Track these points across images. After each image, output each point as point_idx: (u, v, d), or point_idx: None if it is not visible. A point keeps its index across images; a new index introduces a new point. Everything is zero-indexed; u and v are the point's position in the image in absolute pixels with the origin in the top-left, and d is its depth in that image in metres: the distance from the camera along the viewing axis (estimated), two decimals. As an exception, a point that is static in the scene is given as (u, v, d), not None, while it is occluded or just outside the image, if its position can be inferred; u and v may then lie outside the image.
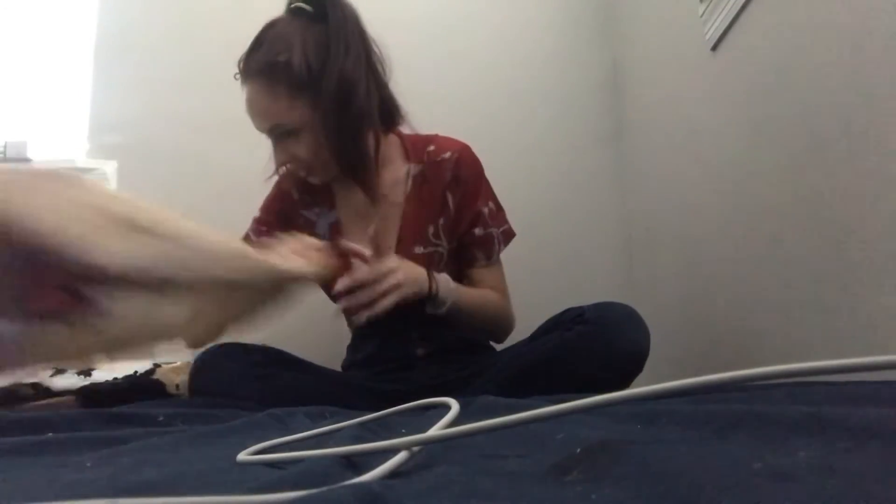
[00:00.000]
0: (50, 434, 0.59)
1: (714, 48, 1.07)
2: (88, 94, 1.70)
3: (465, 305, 1.03)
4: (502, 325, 1.17)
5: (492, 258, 1.14)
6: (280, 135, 0.99)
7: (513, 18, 1.76)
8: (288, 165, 1.04)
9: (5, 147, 1.57)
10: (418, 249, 1.10)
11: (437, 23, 1.75)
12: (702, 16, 1.09)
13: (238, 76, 1.00)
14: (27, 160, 1.58)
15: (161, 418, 0.73)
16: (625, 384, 0.94)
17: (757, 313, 0.96)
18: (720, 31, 1.03)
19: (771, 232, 0.92)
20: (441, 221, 1.11)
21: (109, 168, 1.64)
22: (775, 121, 0.89)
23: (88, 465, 0.46)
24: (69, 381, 1.03)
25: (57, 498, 0.31)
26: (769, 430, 0.37)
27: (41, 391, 0.99)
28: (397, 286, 0.88)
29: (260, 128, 1.00)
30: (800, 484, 0.25)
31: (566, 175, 1.69)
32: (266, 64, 0.96)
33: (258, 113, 0.98)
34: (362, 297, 0.86)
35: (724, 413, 0.42)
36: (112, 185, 1.64)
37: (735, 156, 1.03)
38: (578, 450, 0.37)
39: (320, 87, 0.94)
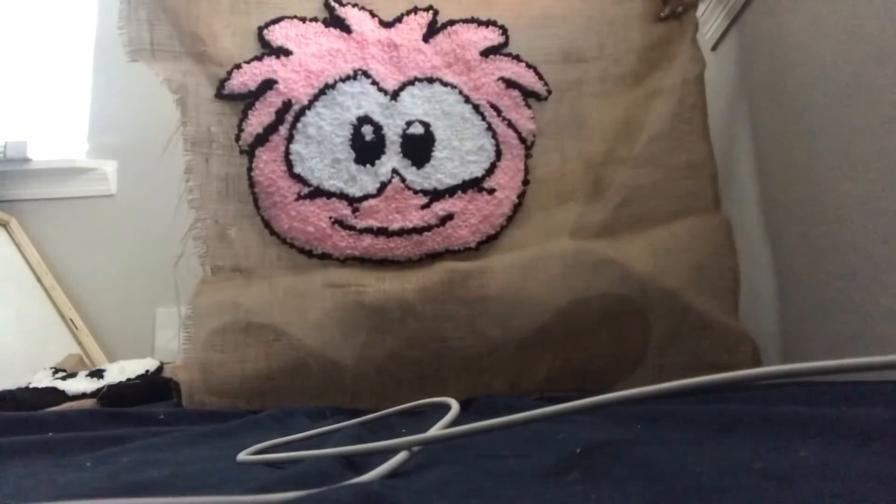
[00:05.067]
0: (50, 434, 0.59)
1: (714, 48, 1.07)
2: (88, 94, 1.69)
3: None
4: None
5: None
6: None
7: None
8: None
9: (5, 147, 1.57)
10: None
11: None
12: (702, 16, 1.09)
13: None
14: (27, 160, 1.58)
15: (162, 416, 0.73)
16: None
17: (756, 313, 0.96)
18: (720, 31, 1.03)
19: (770, 231, 0.92)
20: None
21: (109, 168, 1.64)
22: (775, 121, 0.89)
23: (88, 465, 0.46)
24: (81, 384, 1.02)
25: (57, 498, 0.31)
26: (769, 430, 0.37)
27: (58, 395, 0.97)
28: None
29: None
30: (800, 484, 0.25)
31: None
32: None
33: None
34: None
35: (724, 413, 0.42)
36: (112, 185, 1.64)
37: (734, 155, 1.03)
38: (578, 450, 0.37)
39: None
